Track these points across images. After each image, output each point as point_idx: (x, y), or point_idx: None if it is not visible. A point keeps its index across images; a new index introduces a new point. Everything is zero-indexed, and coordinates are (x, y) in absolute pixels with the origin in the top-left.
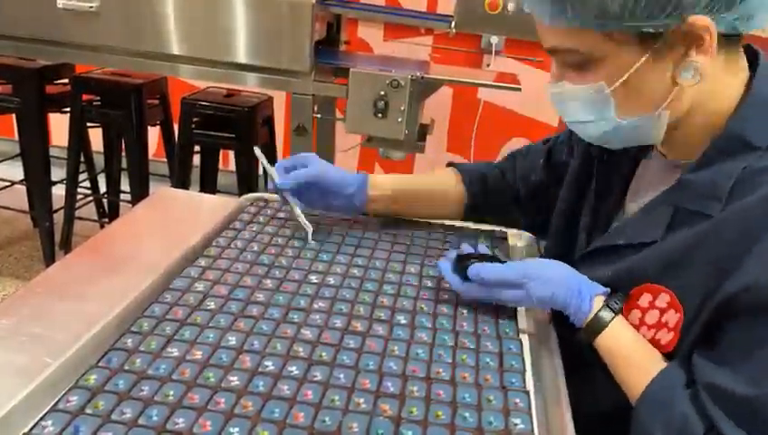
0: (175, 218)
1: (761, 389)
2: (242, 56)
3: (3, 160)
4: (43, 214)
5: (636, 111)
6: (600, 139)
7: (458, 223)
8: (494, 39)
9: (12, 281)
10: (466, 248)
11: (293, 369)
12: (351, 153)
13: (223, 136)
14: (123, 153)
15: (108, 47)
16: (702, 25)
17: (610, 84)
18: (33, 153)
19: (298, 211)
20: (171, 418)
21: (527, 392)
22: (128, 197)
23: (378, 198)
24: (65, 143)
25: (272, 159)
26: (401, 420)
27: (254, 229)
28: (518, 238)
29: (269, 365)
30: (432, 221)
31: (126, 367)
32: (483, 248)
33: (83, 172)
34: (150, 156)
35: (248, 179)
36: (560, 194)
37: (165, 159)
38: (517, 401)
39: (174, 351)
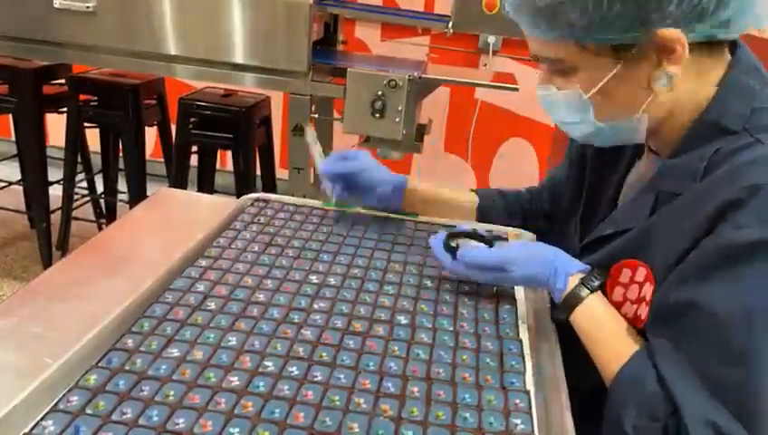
0: (175, 219)
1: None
2: (239, 56)
3: (0, 161)
4: (40, 214)
5: (613, 116)
6: (585, 139)
7: (458, 222)
8: (492, 39)
9: (9, 282)
10: (461, 227)
11: (294, 369)
12: None
13: (220, 136)
14: (120, 153)
15: (105, 47)
16: (672, 38)
17: (587, 91)
18: (30, 154)
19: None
20: (172, 418)
21: (527, 393)
22: (125, 197)
23: (410, 204)
24: (62, 144)
25: (271, 160)
26: (401, 420)
27: (254, 229)
28: (517, 238)
29: (269, 365)
30: (433, 221)
31: (126, 367)
32: (481, 230)
33: (80, 173)
34: (148, 156)
35: (246, 180)
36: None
37: (162, 160)
38: (517, 401)
39: (174, 351)
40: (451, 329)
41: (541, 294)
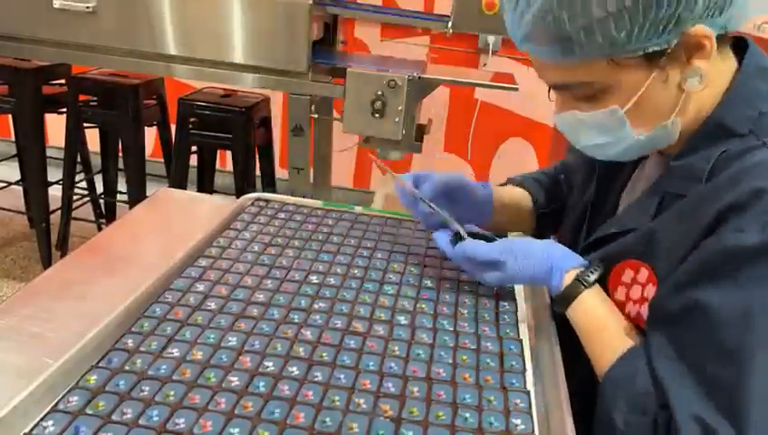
0: (175, 219)
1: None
2: (239, 56)
3: (0, 161)
4: (40, 215)
5: (650, 125)
6: (619, 156)
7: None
8: (491, 39)
9: (8, 282)
10: (469, 227)
11: (294, 369)
12: (348, 153)
13: (220, 136)
14: (120, 154)
15: (104, 47)
16: (702, 34)
17: (623, 106)
18: (30, 154)
19: (447, 215)
20: (172, 418)
21: (527, 393)
22: (125, 197)
23: (497, 210)
24: (62, 144)
25: (271, 160)
26: (402, 420)
27: (254, 229)
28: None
29: (269, 366)
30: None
31: (126, 367)
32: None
33: (80, 173)
34: (147, 156)
35: (246, 180)
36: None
37: (162, 160)
38: (518, 401)
39: (174, 351)
40: (451, 329)
41: (541, 295)
